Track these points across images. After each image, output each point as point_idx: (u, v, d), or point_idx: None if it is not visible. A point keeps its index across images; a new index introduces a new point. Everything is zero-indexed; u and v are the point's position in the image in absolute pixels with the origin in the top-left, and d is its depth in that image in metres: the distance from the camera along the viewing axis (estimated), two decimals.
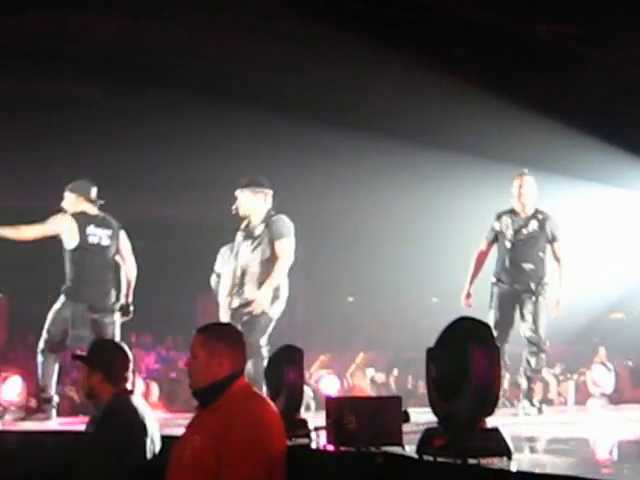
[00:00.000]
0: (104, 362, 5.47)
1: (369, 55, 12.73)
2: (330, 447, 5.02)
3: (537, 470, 4.04)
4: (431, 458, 4.27)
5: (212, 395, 4.67)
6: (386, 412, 4.93)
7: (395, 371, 15.00)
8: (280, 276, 8.44)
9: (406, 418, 4.95)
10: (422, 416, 5.03)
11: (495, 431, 4.24)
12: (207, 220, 16.78)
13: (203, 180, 15.71)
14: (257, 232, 8.57)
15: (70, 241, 8.73)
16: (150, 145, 14.77)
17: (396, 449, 4.73)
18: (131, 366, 5.60)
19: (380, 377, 14.78)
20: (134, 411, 5.39)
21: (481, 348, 4.13)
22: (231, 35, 13.41)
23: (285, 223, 8.58)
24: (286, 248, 8.47)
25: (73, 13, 12.82)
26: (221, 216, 9.41)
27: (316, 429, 5.61)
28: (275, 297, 8.46)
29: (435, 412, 4.38)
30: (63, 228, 8.71)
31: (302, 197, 15.49)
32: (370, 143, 14.42)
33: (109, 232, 8.86)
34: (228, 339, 4.79)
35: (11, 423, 8.66)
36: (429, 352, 4.38)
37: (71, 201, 8.85)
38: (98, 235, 8.77)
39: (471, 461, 4.10)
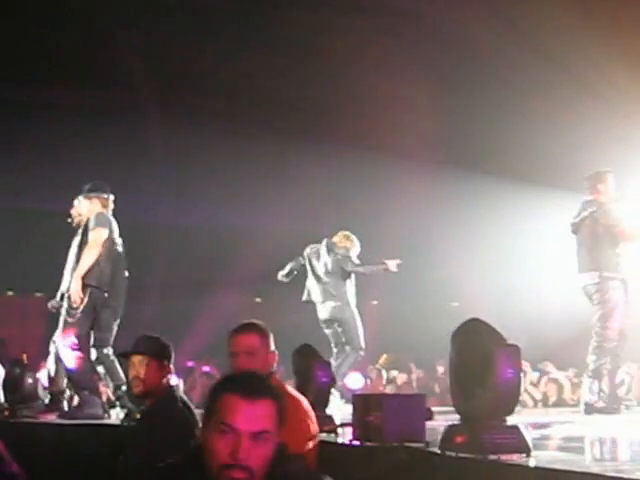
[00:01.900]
0: (157, 354, 5.49)
1: None
2: (356, 442, 5.04)
3: (554, 466, 4.04)
4: (453, 454, 4.29)
5: None
6: (410, 409, 4.95)
7: (416, 372, 15.00)
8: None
9: (429, 415, 4.97)
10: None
11: (515, 428, 4.26)
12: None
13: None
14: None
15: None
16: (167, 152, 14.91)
17: (419, 445, 4.75)
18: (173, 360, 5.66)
19: (402, 377, 14.79)
20: (187, 405, 5.44)
21: (503, 348, 4.16)
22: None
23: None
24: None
25: None
26: None
27: (342, 425, 5.64)
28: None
29: (457, 409, 4.40)
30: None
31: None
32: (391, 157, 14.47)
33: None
34: (271, 336, 4.81)
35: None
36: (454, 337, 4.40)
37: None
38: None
39: (491, 457, 4.12)
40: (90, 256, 8.25)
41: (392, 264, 10.31)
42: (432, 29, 12.73)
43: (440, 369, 14.32)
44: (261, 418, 2.65)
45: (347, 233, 10.42)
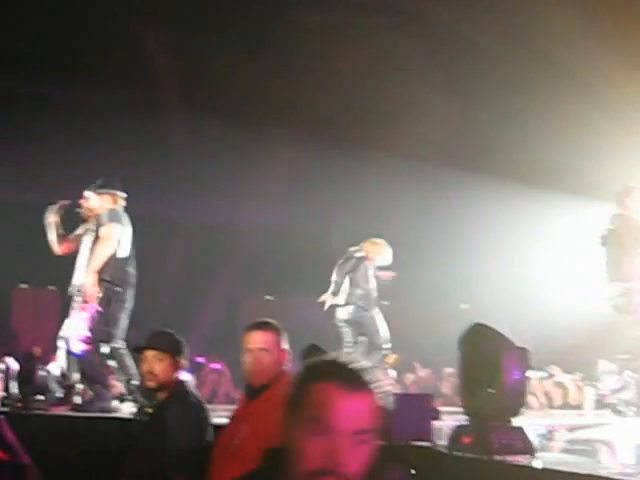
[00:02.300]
0: (170, 349, 5.53)
1: None
2: None
3: (560, 468, 4.07)
4: (460, 454, 4.32)
5: (265, 388, 4.72)
6: (418, 408, 4.97)
7: (423, 372, 15.01)
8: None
9: (436, 415, 4.99)
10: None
11: (520, 430, 4.29)
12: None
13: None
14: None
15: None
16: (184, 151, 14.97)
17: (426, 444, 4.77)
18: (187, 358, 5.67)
19: (410, 377, 14.81)
20: (198, 401, 5.45)
21: (512, 350, 4.20)
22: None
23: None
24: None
25: None
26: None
27: None
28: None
29: (465, 410, 4.43)
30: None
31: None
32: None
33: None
34: (285, 335, 4.85)
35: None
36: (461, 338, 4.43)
37: (98, 200, 8.68)
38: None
39: (497, 458, 4.15)
40: (104, 251, 8.29)
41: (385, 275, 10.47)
42: (449, 37, 12.76)
43: (447, 370, 14.34)
44: (364, 414, 2.13)
45: (378, 241, 10.51)
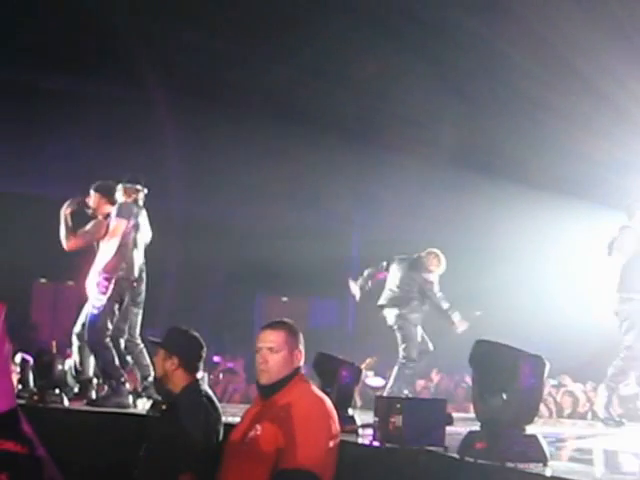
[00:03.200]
0: (181, 349, 5.50)
1: None
2: (376, 444, 5.06)
3: (572, 477, 4.05)
4: (472, 459, 4.30)
5: (277, 387, 4.72)
6: (431, 413, 4.96)
7: (436, 377, 14.99)
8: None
9: (450, 420, 4.98)
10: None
11: (533, 437, 4.27)
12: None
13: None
14: None
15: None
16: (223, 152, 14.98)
17: (439, 449, 4.76)
18: (204, 356, 5.62)
19: (421, 383, 14.78)
20: (210, 399, 5.43)
21: (527, 357, 4.17)
22: None
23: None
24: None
25: None
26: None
27: (363, 426, 5.65)
28: None
29: (478, 416, 4.41)
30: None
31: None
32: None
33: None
34: (299, 335, 4.84)
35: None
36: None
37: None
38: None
39: (509, 465, 4.13)
40: (109, 247, 8.28)
41: (461, 325, 10.27)
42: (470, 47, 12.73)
43: (458, 377, 14.31)
44: None
45: (437, 252, 10.34)
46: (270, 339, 4.77)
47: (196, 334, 5.66)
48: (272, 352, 4.72)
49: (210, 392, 5.58)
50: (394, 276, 10.33)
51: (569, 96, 12.48)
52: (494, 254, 14.87)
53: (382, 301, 10.36)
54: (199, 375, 5.57)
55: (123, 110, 14.84)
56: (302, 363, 4.84)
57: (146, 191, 8.64)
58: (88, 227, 8.83)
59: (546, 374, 4.30)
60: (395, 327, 10.15)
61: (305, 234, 17.49)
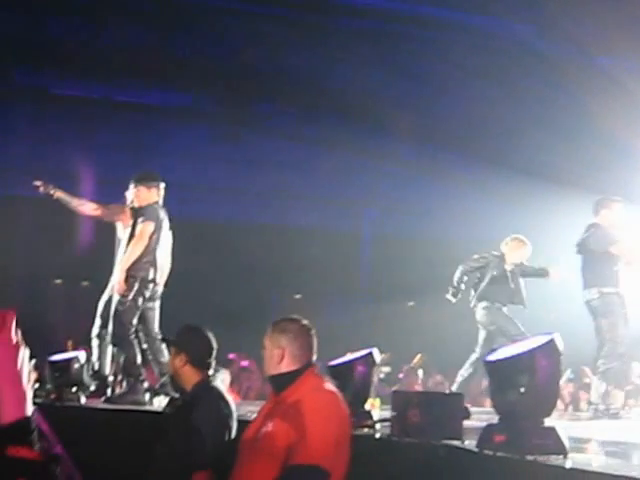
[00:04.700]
0: (189, 346, 5.46)
1: None
2: (394, 438, 5.01)
3: (592, 469, 3.99)
4: (491, 452, 4.25)
5: (283, 383, 4.68)
6: (449, 407, 4.92)
7: (449, 373, 14.95)
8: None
9: (467, 414, 4.94)
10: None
11: (552, 430, 4.22)
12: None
13: None
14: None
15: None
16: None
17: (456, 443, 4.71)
18: (214, 353, 5.56)
19: (437, 378, 14.75)
20: (221, 396, 5.37)
21: (544, 349, 4.13)
22: None
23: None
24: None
25: None
26: None
27: (381, 421, 5.61)
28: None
29: (496, 409, 4.36)
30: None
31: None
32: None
33: None
34: (290, 333, 4.76)
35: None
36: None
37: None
38: None
39: (529, 457, 4.08)
40: (136, 249, 8.27)
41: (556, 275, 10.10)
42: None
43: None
44: None
45: (519, 237, 10.03)
46: (264, 339, 4.83)
47: (206, 331, 5.61)
48: (262, 348, 4.79)
49: (222, 389, 5.52)
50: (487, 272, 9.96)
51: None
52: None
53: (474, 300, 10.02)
54: (211, 372, 5.52)
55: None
56: (299, 362, 4.74)
57: (164, 187, 8.61)
58: (111, 206, 9.10)
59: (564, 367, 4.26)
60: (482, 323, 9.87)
61: (319, 232, 17.51)
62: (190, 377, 5.43)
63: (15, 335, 2.57)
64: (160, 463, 5.33)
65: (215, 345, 5.59)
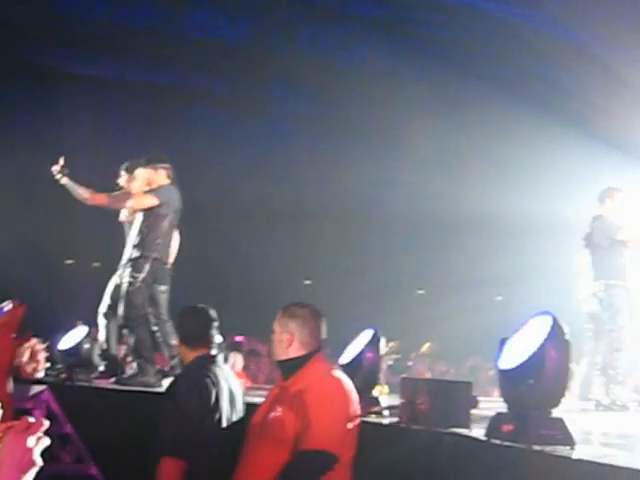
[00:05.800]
0: (181, 327, 5.44)
1: None
2: (402, 425, 5.02)
3: (598, 461, 4.00)
4: (499, 442, 4.26)
5: (290, 368, 4.69)
6: (457, 396, 4.93)
7: (457, 361, 15.00)
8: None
9: (475, 403, 4.94)
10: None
11: (560, 421, 4.23)
12: None
13: None
14: None
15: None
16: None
17: (464, 431, 4.72)
18: (213, 331, 5.31)
19: (442, 366, 14.79)
20: (209, 376, 5.07)
21: (553, 340, 4.13)
22: None
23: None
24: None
25: None
26: None
27: (389, 407, 5.62)
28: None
29: (505, 398, 4.37)
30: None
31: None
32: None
33: None
34: (299, 319, 4.77)
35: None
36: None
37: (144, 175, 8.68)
38: None
39: (536, 447, 4.09)
40: (147, 227, 8.30)
41: None
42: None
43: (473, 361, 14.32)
44: None
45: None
46: (274, 323, 4.84)
47: (203, 310, 5.41)
48: (272, 332, 4.82)
49: (218, 371, 5.19)
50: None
51: None
52: (519, 238, 14.82)
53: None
54: (214, 351, 5.28)
55: None
56: (307, 347, 4.73)
57: (171, 167, 8.61)
58: (116, 193, 9.04)
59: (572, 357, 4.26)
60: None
61: (329, 215, 17.54)
62: (187, 358, 5.31)
63: (16, 330, 2.58)
64: (150, 447, 5.22)
65: (213, 323, 5.36)
